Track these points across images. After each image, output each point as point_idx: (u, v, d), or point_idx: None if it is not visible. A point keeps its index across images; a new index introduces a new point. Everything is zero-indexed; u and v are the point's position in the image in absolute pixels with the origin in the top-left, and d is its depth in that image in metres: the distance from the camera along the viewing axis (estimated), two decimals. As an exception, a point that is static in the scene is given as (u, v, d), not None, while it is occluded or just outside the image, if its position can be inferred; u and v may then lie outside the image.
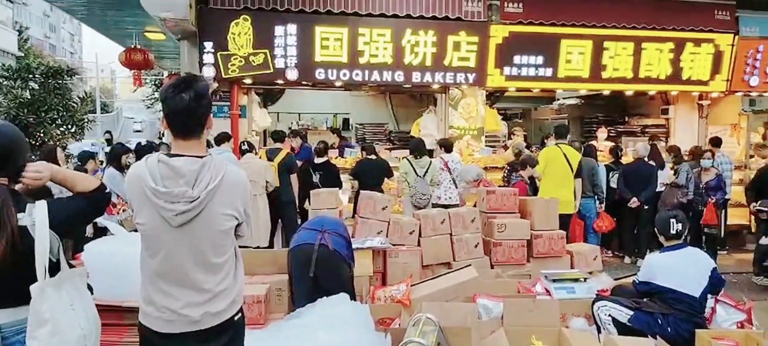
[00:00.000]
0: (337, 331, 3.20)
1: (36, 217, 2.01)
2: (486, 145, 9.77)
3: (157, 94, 30.66)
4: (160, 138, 19.31)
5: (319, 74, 8.76)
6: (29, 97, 9.66)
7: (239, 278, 2.31)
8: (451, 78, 9.16)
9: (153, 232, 2.11)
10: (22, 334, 1.99)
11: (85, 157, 7.05)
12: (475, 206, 6.17)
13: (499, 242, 5.56)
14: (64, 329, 2.03)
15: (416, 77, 9.05)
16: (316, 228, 4.23)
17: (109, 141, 16.44)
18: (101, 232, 6.26)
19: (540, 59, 9.36)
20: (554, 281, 4.74)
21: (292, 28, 8.57)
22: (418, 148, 7.61)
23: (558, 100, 14.13)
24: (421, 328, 3.08)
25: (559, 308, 4.10)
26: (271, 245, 7.62)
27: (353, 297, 4.07)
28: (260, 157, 7.69)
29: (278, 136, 8.33)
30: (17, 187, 2.12)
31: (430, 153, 8.06)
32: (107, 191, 2.27)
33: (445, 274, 4.77)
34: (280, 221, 7.90)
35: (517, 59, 9.28)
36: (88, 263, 3.23)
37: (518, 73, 9.37)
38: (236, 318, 2.27)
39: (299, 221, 7.57)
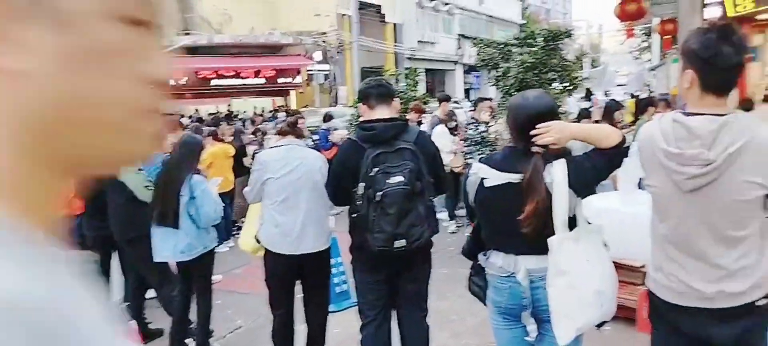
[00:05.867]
0: None
1: (555, 176, 2.19)
2: None
3: (644, 44, 29.51)
4: (650, 90, 18.67)
5: None
6: (532, 60, 10.81)
7: (766, 258, 1.96)
8: None
9: (663, 196, 2.01)
10: (545, 280, 2.22)
11: (584, 115, 7.39)
12: None
13: None
14: (581, 281, 2.16)
15: None
16: None
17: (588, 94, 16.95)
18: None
19: None
20: None
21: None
22: None
23: None
24: None
25: None
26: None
27: None
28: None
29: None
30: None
31: None
32: (626, 145, 2.24)
33: None
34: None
35: None
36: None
37: None
38: (760, 303, 1.94)
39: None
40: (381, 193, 2.67)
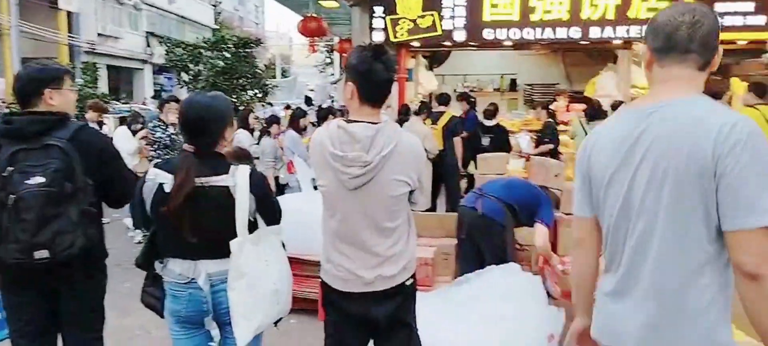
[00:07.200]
0: (508, 301, 3.11)
1: (237, 180, 2.20)
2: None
3: (328, 60, 32.46)
4: (332, 101, 20.51)
5: (488, 34, 8.51)
6: (223, 65, 10.77)
7: (411, 245, 2.32)
8: (636, 32, 8.29)
9: (331, 194, 2.20)
10: (226, 283, 2.20)
11: (271, 121, 7.69)
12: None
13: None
14: (259, 282, 2.21)
15: (595, 33, 8.36)
16: (477, 192, 4.24)
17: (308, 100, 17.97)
18: (282, 189, 6.84)
19: (749, 6, 8.07)
20: None
21: (461, -13, 8.41)
22: (594, 115, 7.10)
23: (768, 53, 12.13)
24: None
25: None
26: (433, 209, 7.69)
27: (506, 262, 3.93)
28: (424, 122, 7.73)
29: (443, 99, 8.30)
30: (224, 151, 2.33)
31: (605, 115, 7.47)
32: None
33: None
34: (443, 185, 7.91)
35: (719, 6, 8.08)
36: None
37: (720, 24, 8.17)
38: (408, 283, 2.29)
39: (464, 186, 7.52)
40: (15, 196, 2.25)
